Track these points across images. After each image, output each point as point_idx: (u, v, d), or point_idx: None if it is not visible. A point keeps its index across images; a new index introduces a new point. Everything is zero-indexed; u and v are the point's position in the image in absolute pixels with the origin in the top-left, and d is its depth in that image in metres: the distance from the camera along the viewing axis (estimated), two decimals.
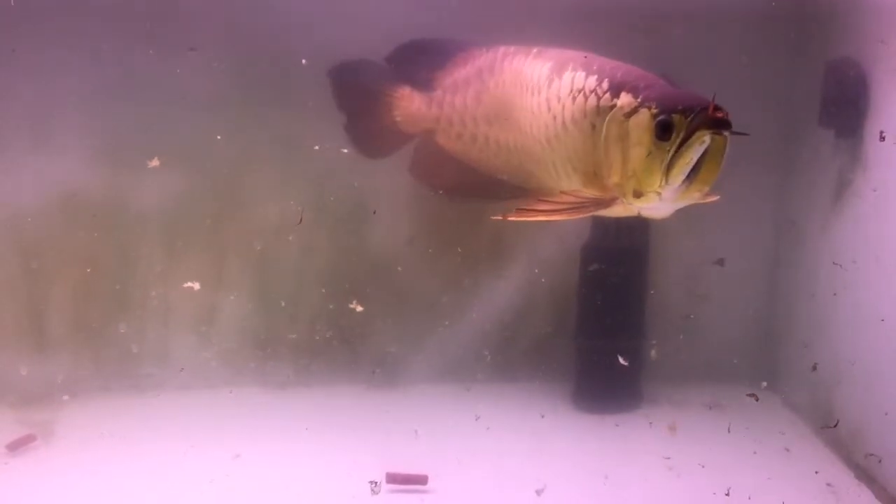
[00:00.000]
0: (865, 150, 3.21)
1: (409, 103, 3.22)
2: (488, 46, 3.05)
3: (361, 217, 3.70)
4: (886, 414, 3.00)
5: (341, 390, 3.78)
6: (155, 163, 3.32)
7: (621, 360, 3.39)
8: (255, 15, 3.47)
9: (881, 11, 3.13)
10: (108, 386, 3.67)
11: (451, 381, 3.80)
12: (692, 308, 3.82)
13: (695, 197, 2.33)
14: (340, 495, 2.97)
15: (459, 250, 3.72)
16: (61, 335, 3.64)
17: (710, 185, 2.29)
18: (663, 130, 2.26)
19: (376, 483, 2.89)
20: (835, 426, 3.32)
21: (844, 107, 3.31)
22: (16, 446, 3.23)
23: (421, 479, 3.05)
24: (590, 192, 2.55)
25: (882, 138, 3.03)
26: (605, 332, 3.66)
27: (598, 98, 2.50)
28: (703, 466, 3.22)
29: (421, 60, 3.22)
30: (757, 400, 3.59)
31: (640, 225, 3.56)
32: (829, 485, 3.14)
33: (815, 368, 3.44)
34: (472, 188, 3.12)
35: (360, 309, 3.57)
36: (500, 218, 2.57)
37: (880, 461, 3.02)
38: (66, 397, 3.58)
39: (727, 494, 2.98)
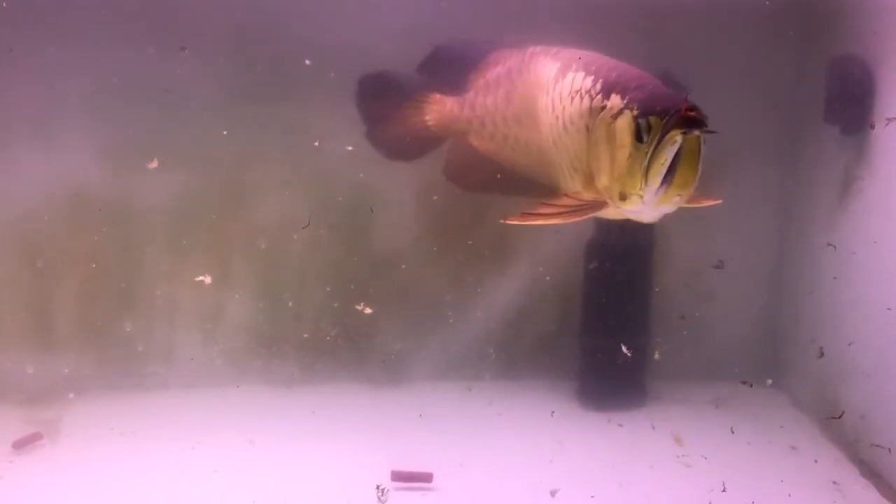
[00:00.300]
0: (870, 146, 3.20)
1: (442, 107, 3.23)
2: (519, 46, 3.03)
3: (366, 215, 3.70)
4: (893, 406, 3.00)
5: (346, 388, 3.78)
6: (154, 164, 3.33)
7: (624, 350, 3.37)
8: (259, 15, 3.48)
9: (886, 8, 3.12)
10: (113, 384, 3.68)
11: (456, 379, 3.80)
12: (697, 305, 3.81)
13: (675, 200, 2.28)
14: (346, 493, 2.97)
15: (470, 243, 3.71)
16: (67, 334, 3.65)
17: (689, 188, 2.24)
18: (642, 132, 2.24)
19: (383, 491, 2.89)
20: (839, 417, 3.31)
21: (849, 103, 3.30)
22: (22, 444, 3.24)
23: (426, 477, 3.06)
24: (589, 195, 2.53)
25: (882, 124, 3.02)
26: (609, 330, 3.65)
27: (592, 99, 2.48)
28: (708, 464, 3.22)
29: (451, 64, 3.23)
30: (751, 387, 3.57)
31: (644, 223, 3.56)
32: (834, 482, 3.13)
33: (821, 355, 3.43)
34: (506, 187, 3.10)
35: (368, 311, 3.57)
36: (511, 221, 2.56)
37: (890, 450, 3.01)
38: (71, 395, 3.60)
39: (725, 492, 2.97)
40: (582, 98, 2.54)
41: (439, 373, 3.80)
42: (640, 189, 2.27)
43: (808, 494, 3.05)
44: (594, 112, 2.46)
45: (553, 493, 2.97)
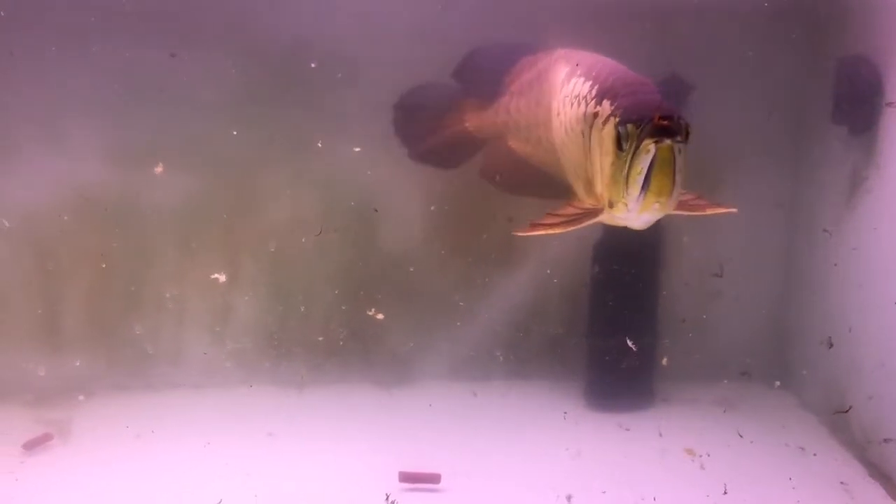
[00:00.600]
0: (879, 146, 3.19)
1: (479, 113, 3.24)
2: (550, 49, 3.02)
3: (374, 217, 3.71)
4: None
5: (355, 389, 3.79)
6: (159, 169, 3.35)
7: (630, 345, 3.37)
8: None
9: (895, 8, 3.12)
10: (123, 384, 3.70)
11: (464, 381, 3.81)
12: (704, 306, 3.81)
13: (655, 208, 2.25)
14: (354, 494, 2.99)
15: (485, 237, 3.72)
16: (77, 335, 3.67)
17: (666, 196, 2.20)
18: (622, 140, 2.22)
19: (392, 503, 2.90)
20: (847, 411, 3.30)
21: (857, 104, 3.29)
22: (33, 445, 3.26)
23: (433, 478, 3.06)
24: (590, 201, 2.51)
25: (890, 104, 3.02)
26: (617, 332, 3.64)
27: (587, 105, 2.46)
28: (716, 464, 3.21)
29: (486, 69, 3.23)
30: (750, 377, 3.56)
31: (654, 223, 3.56)
32: (842, 483, 3.13)
33: (831, 345, 3.42)
34: (542, 188, 3.08)
35: (380, 316, 3.58)
36: (520, 234, 2.56)
37: None
38: (81, 397, 3.61)
39: (732, 492, 2.97)
40: (580, 104, 2.52)
41: (447, 374, 3.81)
42: (623, 196, 2.25)
43: (816, 495, 3.04)
44: (588, 118, 2.44)
45: (566, 497, 2.97)
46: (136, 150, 3.51)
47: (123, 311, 3.68)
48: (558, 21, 3.31)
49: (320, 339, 3.76)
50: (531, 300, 3.81)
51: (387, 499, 2.90)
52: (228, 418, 3.52)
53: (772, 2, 3.44)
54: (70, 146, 3.52)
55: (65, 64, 3.43)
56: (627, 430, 3.52)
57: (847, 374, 3.38)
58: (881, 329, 3.15)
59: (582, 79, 2.56)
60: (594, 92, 2.45)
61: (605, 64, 2.60)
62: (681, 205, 2.47)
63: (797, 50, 3.61)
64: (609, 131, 2.27)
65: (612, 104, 2.32)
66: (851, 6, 3.38)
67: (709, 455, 3.26)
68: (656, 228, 3.63)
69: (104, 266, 3.62)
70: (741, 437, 3.37)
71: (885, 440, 3.09)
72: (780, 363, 3.87)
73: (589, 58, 2.73)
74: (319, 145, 3.49)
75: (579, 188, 2.62)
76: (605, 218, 2.48)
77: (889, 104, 3.02)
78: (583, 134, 2.46)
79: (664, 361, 3.61)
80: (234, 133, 3.47)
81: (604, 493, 3.03)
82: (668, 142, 2.13)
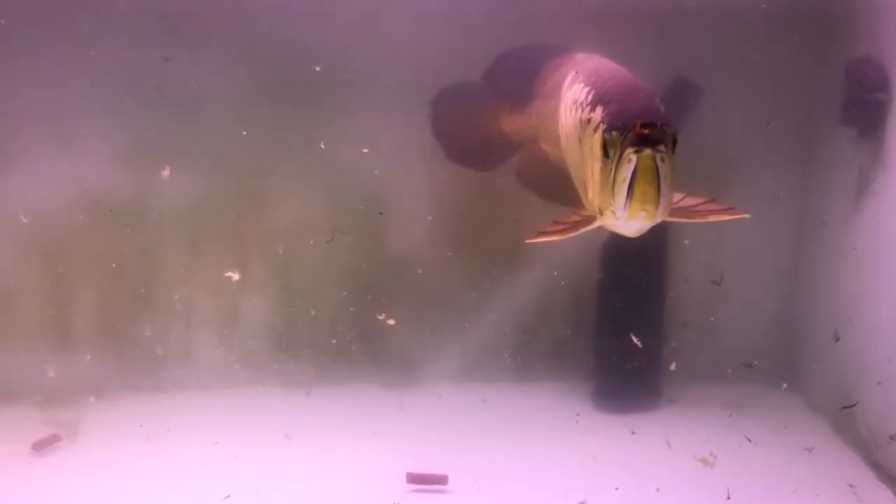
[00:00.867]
0: (887, 148, 3.19)
1: (512, 116, 3.22)
2: (574, 51, 2.99)
3: (380, 220, 3.72)
4: None
5: (362, 390, 3.80)
6: (166, 172, 3.37)
7: (636, 342, 3.36)
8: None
9: None
10: (132, 385, 3.71)
11: (471, 382, 3.81)
12: (712, 308, 3.81)
13: (641, 216, 2.19)
14: (361, 495, 3.00)
15: (492, 239, 3.72)
16: (87, 336, 3.68)
17: (651, 204, 2.14)
18: (608, 147, 2.18)
19: None
20: (852, 406, 3.29)
21: (866, 106, 3.29)
22: (41, 446, 3.27)
23: (441, 480, 3.07)
24: (589, 208, 2.47)
25: None
26: (624, 333, 3.64)
27: (582, 111, 2.44)
28: (723, 466, 3.21)
29: (517, 72, 3.20)
30: (751, 367, 3.57)
31: (658, 224, 3.55)
32: (850, 486, 3.12)
33: (837, 339, 3.42)
34: (576, 194, 3.08)
35: (391, 322, 3.59)
36: (530, 241, 2.55)
37: None
38: (91, 398, 3.63)
39: (736, 496, 2.97)
40: (577, 109, 2.50)
41: (455, 375, 3.81)
42: (609, 204, 2.22)
43: (824, 497, 3.04)
44: (583, 124, 2.41)
45: (576, 500, 2.98)
46: (146, 152, 3.52)
47: (133, 313, 3.70)
48: (586, 24, 3.31)
49: (333, 341, 3.77)
50: (539, 302, 3.81)
51: (394, 502, 2.91)
52: (237, 419, 3.53)
53: (780, 4, 3.44)
54: (80, 148, 3.53)
55: (65, 65, 3.45)
56: (633, 432, 3.52)
57: (854, 375, 3.37)
58: (889, 329, 3.15)
59: (581, 84, 2.54)
60: (590, 98, 2.42)
61: (608, 69, 2.57)
62: (681, 211, 2.44)
63: (805, 52, 3.61)
64: (598, 138, 2.24)
65: (602, 111, 2.30)
66: (859, 8, 3.37)
67: (718, 458, 3.26)
68: (663, 230, 3.67)
69: (114, 265, 3.63)
70: (748, 435, 3.37)
71: (892, 437, 3.09)
72: (787, 364, 3.86)
73: (593, 62, 2.71)
74: (322, 146, 3.49)
75: (581, 194, 2.61)
76: (599, 225, 2.45)
77: None
78: (579, 140, 2.44)
79: (672, 367, 3.60)
80: (244, 133, 3.49)
81: (611, 492, 3.04)
82: (648, 151, 2.09)
